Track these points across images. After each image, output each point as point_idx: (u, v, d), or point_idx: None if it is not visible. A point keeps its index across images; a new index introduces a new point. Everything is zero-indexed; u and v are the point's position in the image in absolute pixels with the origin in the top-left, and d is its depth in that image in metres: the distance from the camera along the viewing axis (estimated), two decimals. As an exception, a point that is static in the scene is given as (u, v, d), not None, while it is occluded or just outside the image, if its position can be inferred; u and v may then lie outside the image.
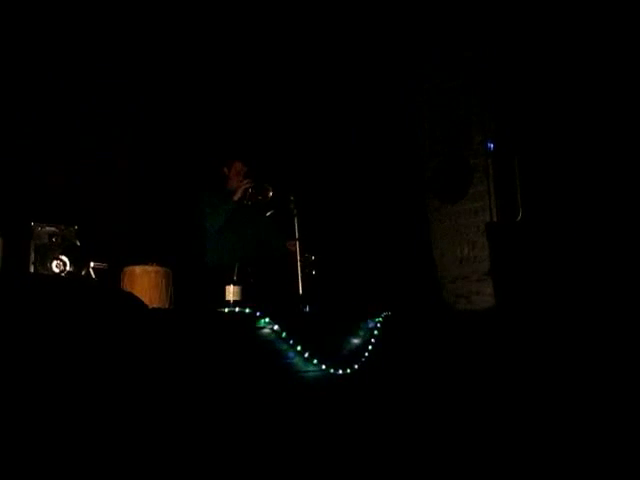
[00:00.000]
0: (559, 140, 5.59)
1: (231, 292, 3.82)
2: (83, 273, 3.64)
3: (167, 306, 3.70)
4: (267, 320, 3.66)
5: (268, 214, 4.66)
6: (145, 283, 3.69)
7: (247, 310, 3.70)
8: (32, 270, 3.50)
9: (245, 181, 4.64)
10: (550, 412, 4.37)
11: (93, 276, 3.67)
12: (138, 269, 3.76)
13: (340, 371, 3.86)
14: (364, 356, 4.02)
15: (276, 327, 3.66)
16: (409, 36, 5.95)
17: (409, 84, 6.25)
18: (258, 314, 3.66)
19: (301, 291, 4.27)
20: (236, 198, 4.61)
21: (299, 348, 3.70)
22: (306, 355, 3.72)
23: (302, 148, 5.75)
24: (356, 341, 4.10)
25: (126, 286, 3.67)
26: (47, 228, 3.58)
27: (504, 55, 5.81)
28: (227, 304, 3.78)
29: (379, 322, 4.23)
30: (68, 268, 3.52)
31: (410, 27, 5.88)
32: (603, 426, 4.26)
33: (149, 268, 3.76)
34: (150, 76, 5.20)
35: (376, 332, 4.18)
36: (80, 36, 4.82)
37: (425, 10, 5.83)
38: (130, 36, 5.04)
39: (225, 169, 4.84)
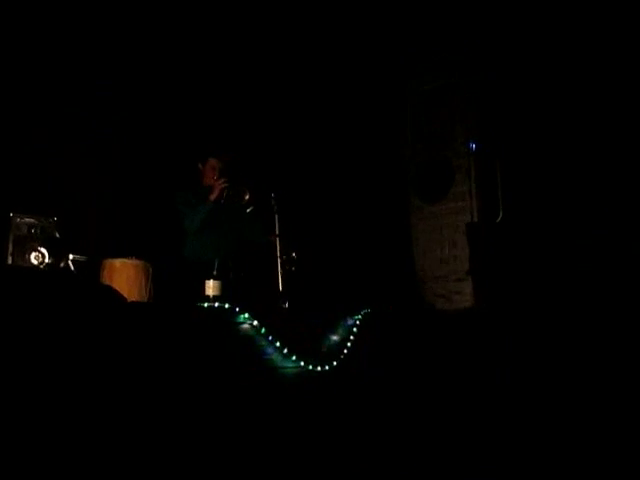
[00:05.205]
0: (541, 142, 5.63)
1: (211, 287, 3.81)
2: (62, 265, 3.62)
3: (146, 300, 3.69)
4: (246, 316, 3.66)
5: (248, 210, 4.64)
6: (124, 276, 3.68)
7: (226, 305, 3.69)
8: (10, 262, 3.48)
9: (221, 180, 4.60)
10: (528, 409, 4.40)
11: (72, 268, 3.66)
12: (118, 262, 3.75)
13: (319, 368, 3.86)
14: (343, 353, 4.02)
15: (255, 323, 3.67)
16: (393, 37, 5.96)
17: (393, 83, 6.26)
18: (237, 309, 3.66)
19: (281, 287, 4.27)
20: (213, 198, 4.58)
21: (278, 344, 3.70)
22: (285, 351, 3.72)
23: (284, 145, 5.74)
24: (335, 338, 4.10)
25: (105, 279, 3.66)
26: (26, 219, 3.56)
27: (488, 57, 5.84)
28: (207, 299, 3.77)
29: (358, 320, 4.24)
30: (47, 260, 3.50)
31: (394, 28, 5.89)
32: (582, 422, 4.30)
33: (129, 261, 3.76)
34: (132, 72, 5.17)
35: (355, 329, 4.19)
36: (62, 30, 4.79)
37: (410, 12, 5.84)
38: (114, 34, 5.01)
39: (200, 165, 4.82)
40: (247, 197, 4.56)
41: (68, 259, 3.66)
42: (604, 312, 4.82)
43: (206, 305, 3.73)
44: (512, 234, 5.57)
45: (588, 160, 5.42)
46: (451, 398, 4.29)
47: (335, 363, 3.94)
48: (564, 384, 4.56)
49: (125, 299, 3.38)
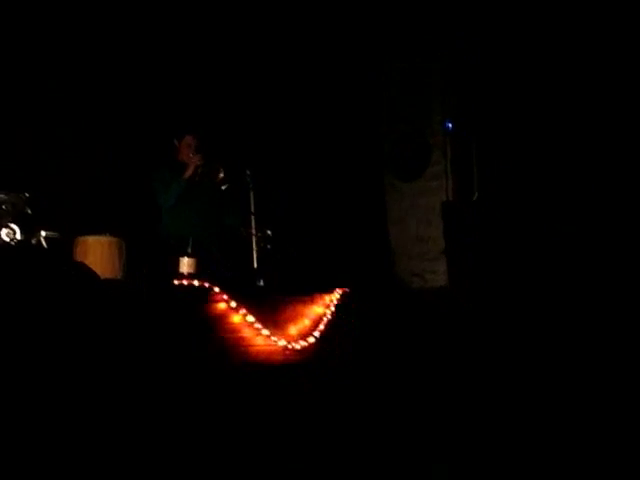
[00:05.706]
0: (517, 122, 5.65)
1: (185, 264, 3.80)
2: (34, 242, 3.57)
3: (120, 277, 3.65)
4: (221, 293, 3.65)
5: (223, 188, 4.61)
6: (98, 253, 3.64)
7: (201, 283, 3.68)
8: (-20, 238, 3.43)
9: (196, 157, 4.57)
10: (498, 385, 4.46)
11: (44, 245, 3.61)
12: (91, 239, 3.70)
13: (294, 345, 3.88)
14: (318, 331, 4.04)
15: (230, 300, 3.66)
16: (371, 16, 5.92)
17: (370, 62, 6.23)
18: (212, 287, 3.65)
19: (256, 265, 4.27)
20: (187, 175, 4.54)
21: (252, 321, 3.71)
22: (260, 329, 3.73)
23: (259, 123, 5.70)
24: (310, 316, 4.12)
25: (78, 256, 3.62)
26: (-4, 195, 3.51)
27: (465, 37, 5.84)
28: (181, 276, 3.76)
29: (334, 298, 4.25)
30: (18, 236, 3.45)
31: (372, 7, 5.85)
32: (551, 402, 4.36)
33: (102, 238, 3.71)
34: (108, 50, 5.09)
35: (331, 308, 4.21)
36: (36, 19, 4.71)
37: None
38: (92, 16, 4.93)
39: (175, 141, 4.78)
40: (221, 175, 4.53)
41: (40, 236, 3.61)
42: (579, 290, 4.88)
43: (180, 282, 3.72)
44: (487, 214, 5.60)
45: (563, 140, 5.46)
46: (424, 375, 4.33)
47: (310, 341, 3.97)
48: (537, 363, 4.62)
49: (98, 276, 3.36)
